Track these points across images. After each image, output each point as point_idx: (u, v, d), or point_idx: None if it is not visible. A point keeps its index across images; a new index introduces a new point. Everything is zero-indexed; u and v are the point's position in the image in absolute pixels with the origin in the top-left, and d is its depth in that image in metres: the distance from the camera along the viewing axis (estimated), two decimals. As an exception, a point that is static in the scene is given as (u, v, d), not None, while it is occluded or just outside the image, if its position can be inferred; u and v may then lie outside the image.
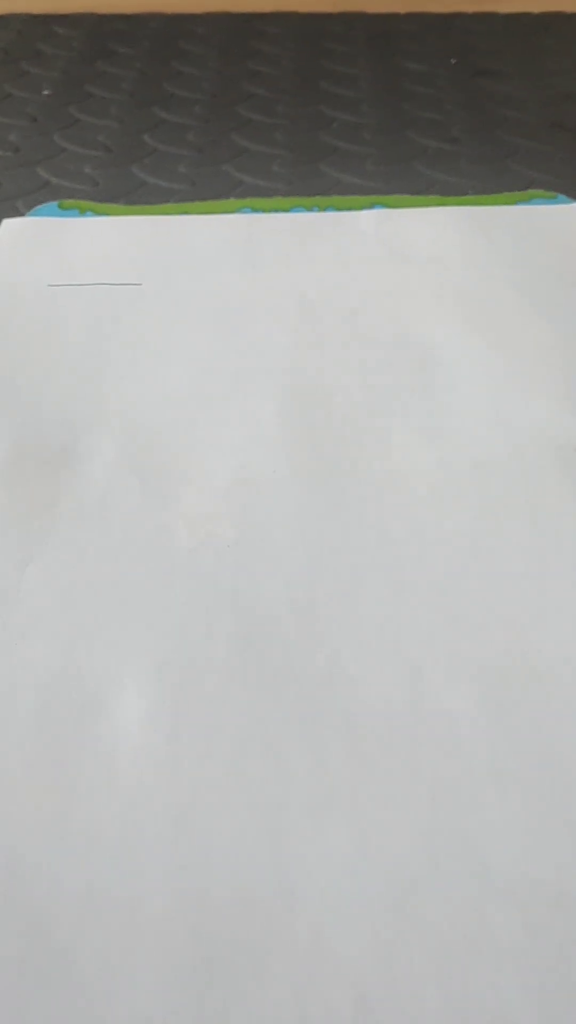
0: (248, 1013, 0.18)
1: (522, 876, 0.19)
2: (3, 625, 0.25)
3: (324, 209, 0.44)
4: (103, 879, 0.20)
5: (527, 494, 0.28)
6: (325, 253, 0.40)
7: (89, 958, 0.18)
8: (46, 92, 0.60)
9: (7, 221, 0.43)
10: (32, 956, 0.18)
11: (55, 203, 0.45)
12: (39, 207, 0.45)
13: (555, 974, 0.18)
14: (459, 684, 0.23)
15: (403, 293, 0.38)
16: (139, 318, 0.37)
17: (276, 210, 0.44)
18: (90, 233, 0.42)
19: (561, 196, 0.47)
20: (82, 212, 0.44)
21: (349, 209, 0.44)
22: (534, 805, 0.21)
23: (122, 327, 0.36)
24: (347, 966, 0.18)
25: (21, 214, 0.46)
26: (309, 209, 0.44)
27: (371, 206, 0.45)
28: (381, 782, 0.21)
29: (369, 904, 0.19)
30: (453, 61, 0.60)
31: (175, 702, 0.23)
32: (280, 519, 0.28)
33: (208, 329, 0.36)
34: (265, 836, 0.20)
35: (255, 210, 0.44)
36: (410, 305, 0.37)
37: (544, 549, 0.26)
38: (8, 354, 0.35)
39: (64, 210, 0.44)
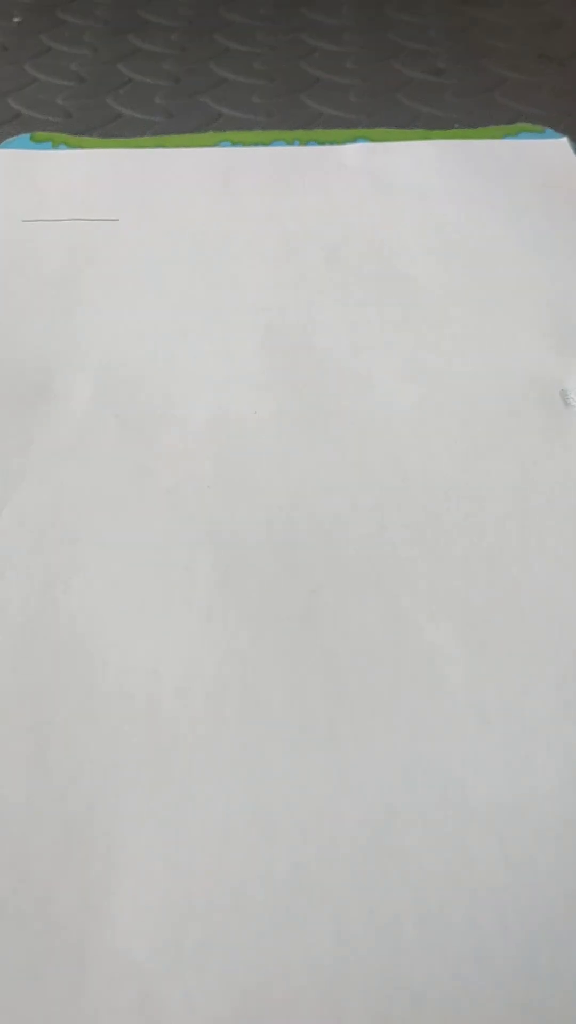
0: (227, 949, 0.18)
1: (501, 809, 0.20)
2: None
3: (306, 143, 0.43)
4: (81, 818, 0.20)
5: (510, 434, 0.28)
6: (308, 188, 0.39)
7: (68, 897, 0.18)
8: (16, 19, 0.57)
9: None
10: (11, 896, 0.18)
11: (27, 135, 0.43)
12: (10, 139, 0.43)
13: (532, 907, 0.18)
14: (440, 620, 0.23)
15: (387, 229, 0.37)
16: (116, 254, 0.36)
17: (257, 144, 0.43)
18: (65, 166, 0.41)
19: (549, 130, 0.46)
20: (55, 145, 0.42)
21: (332, 143, 0.43)
22: (514, 739, 0.21)
23: (99, 263, 0.35)
24: (327, 900, 0.18)
25: (-8, 147, 0.44)
26: (290, 143, 0.43)
27: (354, 140, 0.43)
28: (361, 717, 0.21)
29: (348, 838, 0.19)
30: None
31: (155, 641, 0.23)
32: (260, 458, 0.27)
33: (187, 265, 0.35)
34: (244, 772, 0.20)
35: (235, 144, 0.43)
36: (394, 241, 0.36)
37: (526, 489, 0.26)
38: None
39: (36, 143, 0.43)
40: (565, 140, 0.44)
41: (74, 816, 0.20)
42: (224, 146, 0.43)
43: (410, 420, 0.28)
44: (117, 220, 0.37)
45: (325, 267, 0.35)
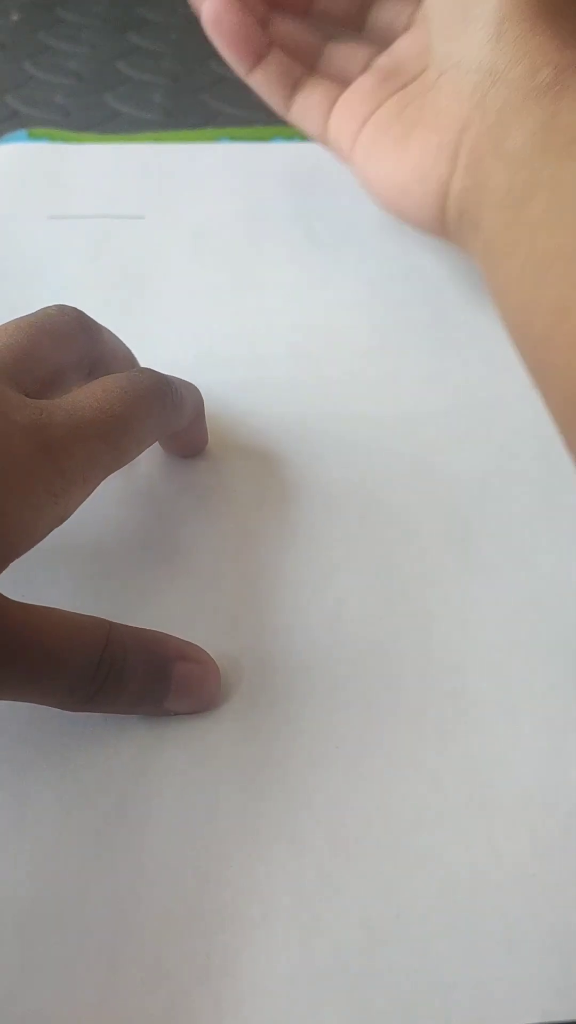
0: (257, 954, 0.17)
1: (531, 801, 0.19)
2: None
3: (306, 139, 0.43)
4: (112, 822, 0.19)
5: (538, 437, 0.27)
6: (332, 186, 0.39)
7: (100, 902, 0.18)
8: (14, 17, 0.57)
9: (3, 146, 0.41)
10: (42, 897, 0.18)
11: (24, 131, 0.43)
12: (7, 135, 0.43)
13: (563, 897, 0.18)
14: (470, 624, 0.23)
15: (410, 229, 0.36)
16: (142, 251, 0.35)
17: (256, 139, 0.42)
18: (91, 162, 0.40)
19: None
20: (53, 141, 0.42)
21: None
22: (541, 732, 0.20)
23: (125, 261, 0.35)
24: (354, 906, 0.18)
25: (-11, 144, 0.43)
26: (289, 139, 0.43)
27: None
28: (389, 719, 0.21)
29: (375, 844, 0.19)
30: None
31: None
32: (288, 463, 0.27)
33: (213, 265, 0.34)
34: (270, 779, 0.20)
35: (234, 139, 0.42)
36: (417, 240, 0.36)
37: (556, 492, 0.26)
38: (6, 286, 0.33)
39: (34, 138, 0.42)
40: None
41: (105, 820, 0.19)
42: (223, 142, 0.42)
43: (438, 423, 0.28)
44: (143, 217, 0.37)
45: (350, 267, 0.34)
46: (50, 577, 0.23)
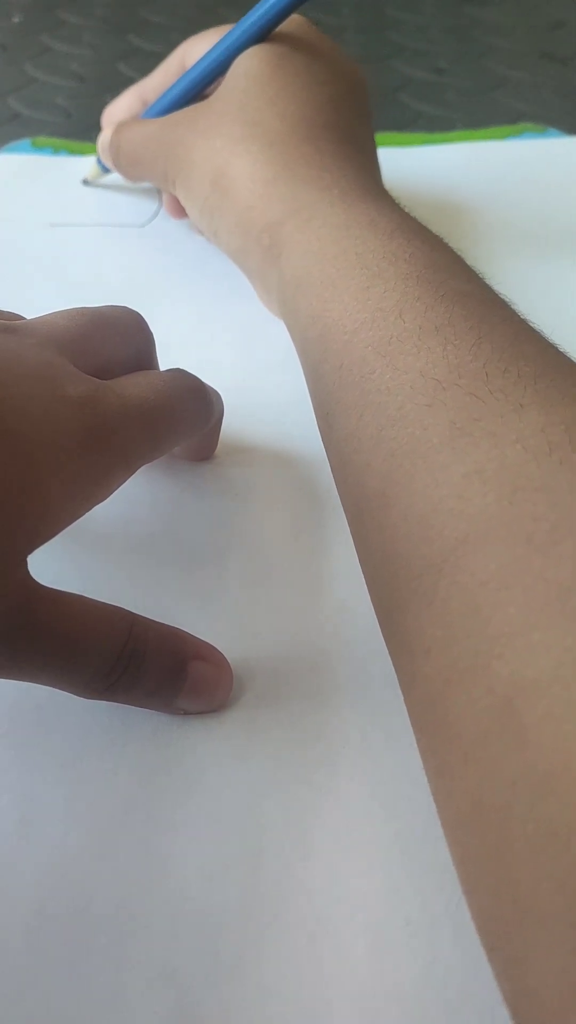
0: (264, 958, 0.18)
1: None
2: None
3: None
4: (118, 824, 0.19)
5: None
6: None
7: (106, 901, 0.18)
8: (16, 19, 0.57)
9: (5, 156, 0.42)
10: (48, 898, 0.18)
11: (28, 140, 0.43)
12: (11, 144, 0.43)
13: None
14: None
15: None
16: (142, 260, 0.35)
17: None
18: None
19: (551, 129, 0.46)
20: (56, 151, 0.42)
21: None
22: None
23: (124, 269, 0.35)
24: (361, 911, 0.18)
25: (-8, 148, 0.44)
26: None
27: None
28: (392, 729, 0.21)
29: (383, 852, 0.19)
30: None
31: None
32: (292, 467, 0.27)
33: (211, 273, 0.35)
34: (278, 787, 0.20)
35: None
36: None
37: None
38: (7, 292, 0.34)
39: (37, 148, 0.42)
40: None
41: (111, 821, 0.19)
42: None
43: None
44: (143, 226, 0.37)
45: None
46: (61, 571, 0.24)
